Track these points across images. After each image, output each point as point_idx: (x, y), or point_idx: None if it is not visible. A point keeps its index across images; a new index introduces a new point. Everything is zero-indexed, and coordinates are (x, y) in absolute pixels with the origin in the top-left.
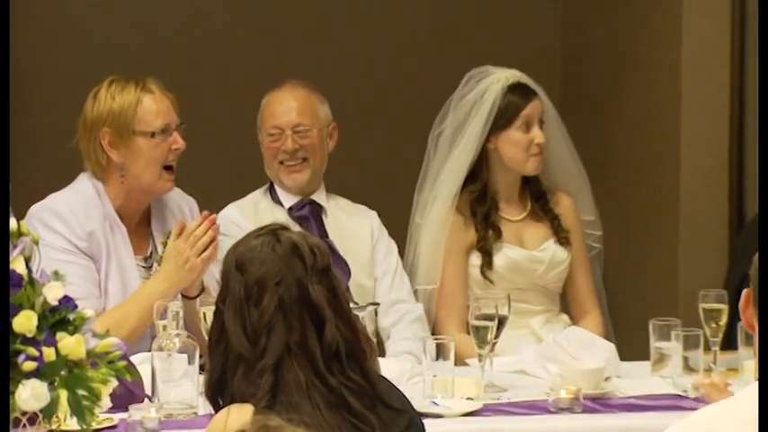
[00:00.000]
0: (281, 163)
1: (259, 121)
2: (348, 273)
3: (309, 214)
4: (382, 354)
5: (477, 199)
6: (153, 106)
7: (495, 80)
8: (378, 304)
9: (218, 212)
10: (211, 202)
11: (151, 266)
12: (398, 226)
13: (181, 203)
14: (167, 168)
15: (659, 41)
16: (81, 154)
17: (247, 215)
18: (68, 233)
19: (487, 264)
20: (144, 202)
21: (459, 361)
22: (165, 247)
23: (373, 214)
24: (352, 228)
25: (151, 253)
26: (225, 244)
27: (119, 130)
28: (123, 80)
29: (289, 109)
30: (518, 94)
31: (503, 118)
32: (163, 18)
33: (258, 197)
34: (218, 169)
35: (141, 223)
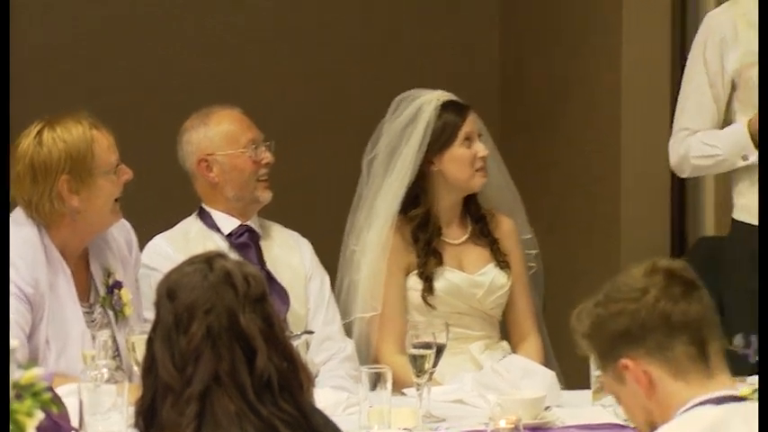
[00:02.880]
0: (259, 179)
1: (217, 142)
2: (287, 302)
3: (249, 241)
4: None
5: (420, 225)
6: (104, 142)
7: (427, 101)
8: (312, 332)
9: (145, 243)
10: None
11: (94, 311)
12: (331, 253)
13: (117, 236)
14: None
15: (599, 61)
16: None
17: (177, 246)
18: (18, 279)
19: (428, 289)
20: (89, 241)
21: (400, 385)
22: (106, 287)
23: (306, 243)
24: (286, 256)
25: (94, 297)
26: (155, 278)
27: (79, 175)
28: (61, 120)
29: (250, 124)
30: (453, 112)
31: (442, 137)
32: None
33: (189, 225)
34: (142, 198)
35: (81, 264)
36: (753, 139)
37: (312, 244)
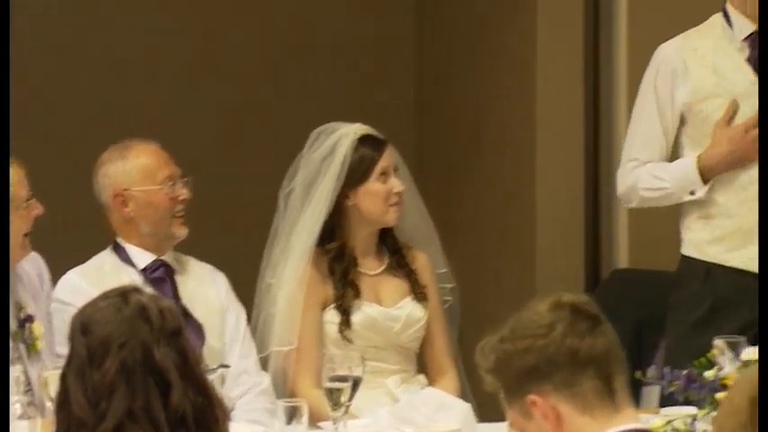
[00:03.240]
0: (175, 216)
1: (134, 176)
2: (203, 336)
3: (164, 276)
4: None
5: (336, 258)
6: (15, 176)
7: (344, 134)
8: (228, 366)
9: (58, 278)
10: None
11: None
12: (248, 286)
13: (28, 269)
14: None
15: (513, 94)
16: None
17: (91, 280)
18: None
19: (345, 322)
20: None
21: (316, 419)
22: (17, 321)
23: (221, 276)
24: (202, 290)
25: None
26: (69, 313)
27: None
28: None
29: (168, 159)
30: (370, 146)
31: (357, 172)
32: None
33: (103, 259)
34: (55, 231)
35: None
36: (702, 174)
37: (228, 277)
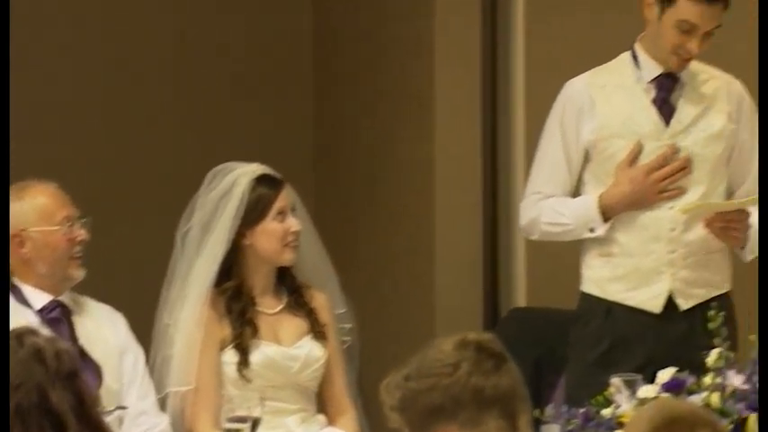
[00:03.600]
0: (72, 257)
1: (31, 217)
2: (100, 377)
3: (61, 316)
4: None
5: (233, 297)
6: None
7: (242, 174)
8: (126, 408)
9: None
10: None
11: None
12: (146, 327)
13: None
14: None
15: (413, 134)
16: None
17: None
18: None
19: (244, 361)
20: None
21: None
22: None
23: (120, 316)
24: (100, 331)
25: None
26: None
27: None
28: None
29: (66, 200)
30: (267, 186)
31: (255, 211)
32: None
33: None
34: None
35: None
36: (603, 212)
37: (126, 318)
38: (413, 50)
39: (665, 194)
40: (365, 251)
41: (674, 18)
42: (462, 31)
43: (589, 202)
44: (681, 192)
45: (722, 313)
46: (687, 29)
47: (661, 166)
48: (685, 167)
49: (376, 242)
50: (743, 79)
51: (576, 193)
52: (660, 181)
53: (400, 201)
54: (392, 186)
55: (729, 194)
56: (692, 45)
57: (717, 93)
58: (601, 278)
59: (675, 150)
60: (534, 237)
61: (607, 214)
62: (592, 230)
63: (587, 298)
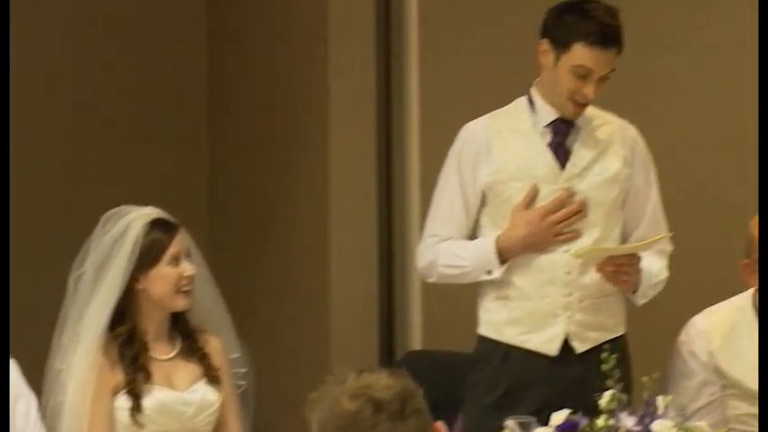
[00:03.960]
0: None
1: None
2: None
3: None
4: None
5: (126, 342)
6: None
7: (136, 218)
8: None
9: None
10: None
11: None
12: (38, 372)
13: None
14: None
15: (307, 179)
16: None
17: None
18: None
19: (136, 407)
20: None
21: None
22: None
23: (12, 363)
24: None
25: None
26: None
27: None
28: None
29: None
30: (161, 230)
31: (149, 255)
32: None
33: None
34: None
35: None
36: (499, 255)
37: (18, 364)
38: (307, 92)
39: (561, 237)
40: (261, 295)
41: (569, 64)
42: (357, 75)
43: (486, 244)
44: (576, 235)
45: (614, 355)
46: (583, 74)
47: (557, 210)
48: (581, 211)
49: (271, 286)
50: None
51: (473, 236)
52: (556, 224)
53: (295, 244)
54: (287, 230)
55: (624, 238)
56: (588, 90)
57: (611, 137)
58: (497, 321)
59: (571, 194)
60: (432, 279)
61: (504, 257)
62: (489, 273)
63: (484, 341)
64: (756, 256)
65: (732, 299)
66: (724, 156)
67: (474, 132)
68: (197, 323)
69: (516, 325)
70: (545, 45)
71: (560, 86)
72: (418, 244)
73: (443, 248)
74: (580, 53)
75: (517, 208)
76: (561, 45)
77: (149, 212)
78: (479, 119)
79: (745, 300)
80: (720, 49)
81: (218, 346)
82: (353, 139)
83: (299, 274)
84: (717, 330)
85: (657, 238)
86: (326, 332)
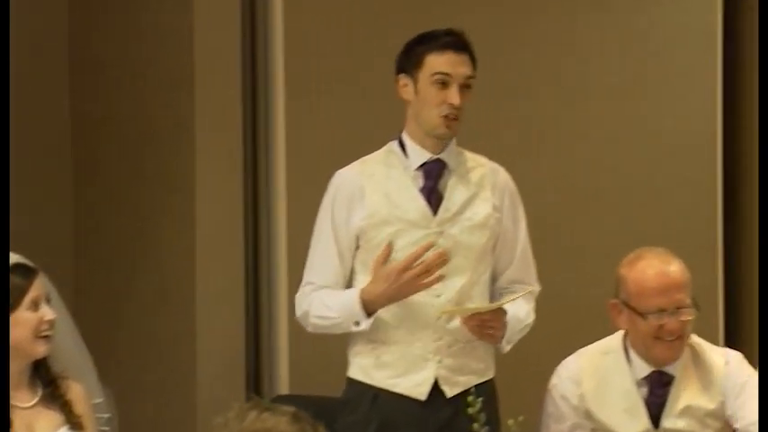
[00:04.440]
0: None
1: None
2: None
3: None
4: None
5: None
6: None
7: None
8: None
9: None
10: None
11: None
12: None
13: None
14: None
15: (174, 225)
16: None
17: None
18: None
19: None
20: None
21: None
22: None
23: None
24: None
25: None
26: None
27: None
28: None
29: None
30: (20, 275)
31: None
32: None
33: None
34: None
35: None
36: (365, 307)
37: None
38: (174, 138)
39: (424, 285)
40: (127, 340)
41: (428, 75)
42: (224, 118)
43: (353, 296)
44: (441, 278)
45: (480, 399)
46: (443, 80)
47: (413, 263)
48: (443, 261)
49: (137, 331)
50: None
51: (350, 282)
52: (415, 278)
53: (162, 288)
54: (154, 274)
55: (494, 279)
56: (453, 96)
57: (482, 181)
58: (368, 365)
59: (430, 246)
60: (309, 329)
61: (369, 309)
62: (357, 324)
63: (354, 384)
64: (621, 297)
65: (601, 341)
66: (593, 201)
67: (346, 178)
68: (59, 369)
69: (386, 369)
70: (403, 79)
71: (427, 104)
72: (296, 292)
73: (316, 298)
74: (435, 61)
75: (376, 262)
76: (416, 66)
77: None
78: (351, 165)
79: (615, 341)
80: (590, 93)
81: (80, 391)
82: (221, 183)
83: (166, 319)
84: (586, 374)
85: (522, 293)
86: (193, 377)
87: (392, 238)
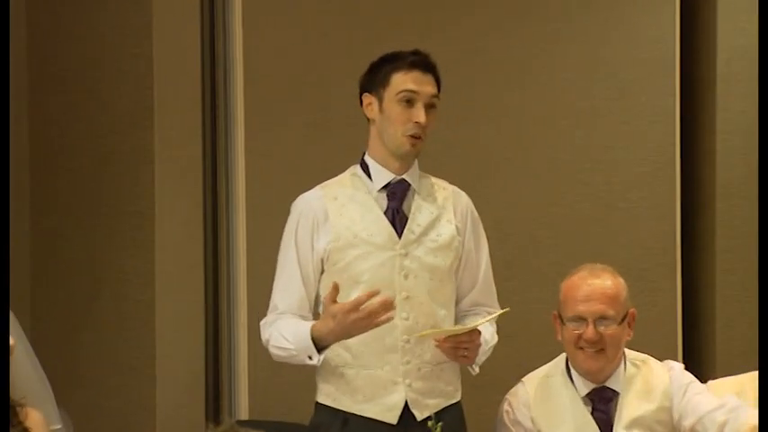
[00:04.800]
0: None
1: None
2: None
3: None
4: None
5: None
6: None
7: None
8: None
9: None
10: None
11: None
12: None
13: None
14: None
15: (132, 251)
16: None
17: None
18: None
19: None
20: None
21: None
22: None
23: None
24: None
25: None
26: None
27: None
28: None
29: None
30: None
31: None
32: None
33: None
34: None
35: None
36: (316, 343)
37: None
38: (134, 164)
39: (369, 327)
40: (86, 366)
41: (393, 94)
42: (184, 143)
43: (306, 331)
44: (387, 320)
45: (440, 423)
46: (409, 98)
47: (356, 308)
48: (386, 307)
49: (97, 357)
50: None
51: (316, 306)
52: (361, 320)
53: (121, 314)
54: (113, 299)
55: (457, 303)
56: (419, 113)
57: (445, 203)
58: (336, 390)
59: (376, 293)
60: (274, 357)
61: (319, 345)
62: (311, 358)
63: (323, 409)
64: (558, 307)
65: (543, 366)
66: (558, 225)
67: (309, 202)
68: (17, 396)
69: (355, 393)
70: (368, 97)
71: (392, 122)
72: (256, 317)
73: (276, 328)
74: (401, 80)
75: (326, 300)
76: (382, 84)
77: None
78: (313, 189)
79: (557, 364)
80: (553, 120)
81: (38, 419)
82: (181, 208)
83: (125, 345)
84: (534, 399)
85: (498, 313)
86: (152, 403)
87: (358, 261)
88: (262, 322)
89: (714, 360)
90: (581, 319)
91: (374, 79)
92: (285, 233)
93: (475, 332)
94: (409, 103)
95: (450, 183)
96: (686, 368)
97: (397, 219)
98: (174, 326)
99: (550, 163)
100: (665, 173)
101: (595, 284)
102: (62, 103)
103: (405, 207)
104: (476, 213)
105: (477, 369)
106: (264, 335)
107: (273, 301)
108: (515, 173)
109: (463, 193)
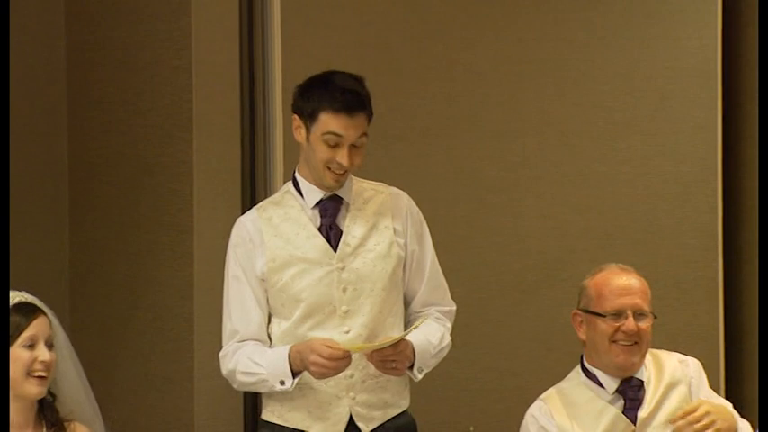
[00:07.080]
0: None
1: None
2: None
3: None
4: None
5: None
6: None
7: None
8: None
9: None
10: None
11: None
12: None
13: None
14: None
15: (171, 263)
16: None
17: None
18: None
19: None
20: None
21: None
22: None
23: None
24: None
25: None
26: None
27: None
28: None
29: None
30: (21, 313)
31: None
32: None
33: None
34: None
35: None
36: (292, 366)
37: None
38: (172, 177)
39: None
40: (123, 380)
41: (319, 133)
42: (222, 157)
43: (283, 354)
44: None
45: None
46: (334, 142)
47: (324, 358)
48: (337, 364)
49: (134, 371)
50: None
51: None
52: (317, 367)
53: (158, 328)
54: (151, 314)
55: (407, 305)
56: (342, 158)
57: (381, 209)
58: (281, 407)
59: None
60: (235, 386)
61: (296, 370)
62: (282, 383)
63: (269, 426)
64: (582, 305)
65: (556, 385)
66: (590, 240)
67: (245, 225)
68: (65, 412)
69: (299, 410)
70: (297, 121)
71: (315, 157)
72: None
73: (243, 354)
74: (327, 121)
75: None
76: (309, 117)
77: (15, 295)
78: (250, 210)
79: (571, 377)
80: (588, 132)
81: None
82: (220, 220)
83: (163, 358)
84: (555, 412)
85: (419, 323)
86: (190, 417)
87: (295, 279)
88: (221, 354)
89: (755, 376)
90: (620, 312)
91: (304, 107)
92: (228, 259)
93: (401, 343)
94: (334, 145)
95: (488, 193)
96: (727, 383)
97: (332, 234)
98: (212, 340)
99: (589, 174)
100: (706, 185)
101: (631, 280)
102: (101, 115)
103: (339, 221)
104: (417, 212)
105: (419, 376)
106: (228, 365)
107: (232, 328)
108: (554, 184)
109: (402, 194)
